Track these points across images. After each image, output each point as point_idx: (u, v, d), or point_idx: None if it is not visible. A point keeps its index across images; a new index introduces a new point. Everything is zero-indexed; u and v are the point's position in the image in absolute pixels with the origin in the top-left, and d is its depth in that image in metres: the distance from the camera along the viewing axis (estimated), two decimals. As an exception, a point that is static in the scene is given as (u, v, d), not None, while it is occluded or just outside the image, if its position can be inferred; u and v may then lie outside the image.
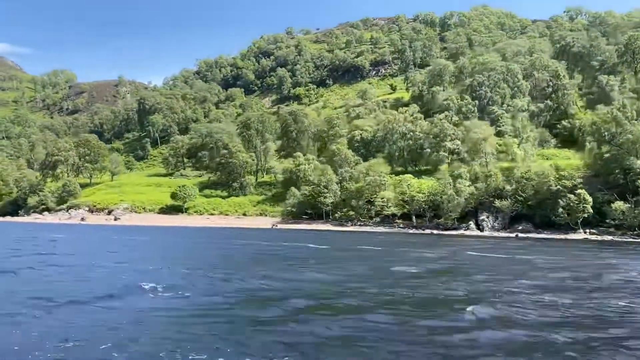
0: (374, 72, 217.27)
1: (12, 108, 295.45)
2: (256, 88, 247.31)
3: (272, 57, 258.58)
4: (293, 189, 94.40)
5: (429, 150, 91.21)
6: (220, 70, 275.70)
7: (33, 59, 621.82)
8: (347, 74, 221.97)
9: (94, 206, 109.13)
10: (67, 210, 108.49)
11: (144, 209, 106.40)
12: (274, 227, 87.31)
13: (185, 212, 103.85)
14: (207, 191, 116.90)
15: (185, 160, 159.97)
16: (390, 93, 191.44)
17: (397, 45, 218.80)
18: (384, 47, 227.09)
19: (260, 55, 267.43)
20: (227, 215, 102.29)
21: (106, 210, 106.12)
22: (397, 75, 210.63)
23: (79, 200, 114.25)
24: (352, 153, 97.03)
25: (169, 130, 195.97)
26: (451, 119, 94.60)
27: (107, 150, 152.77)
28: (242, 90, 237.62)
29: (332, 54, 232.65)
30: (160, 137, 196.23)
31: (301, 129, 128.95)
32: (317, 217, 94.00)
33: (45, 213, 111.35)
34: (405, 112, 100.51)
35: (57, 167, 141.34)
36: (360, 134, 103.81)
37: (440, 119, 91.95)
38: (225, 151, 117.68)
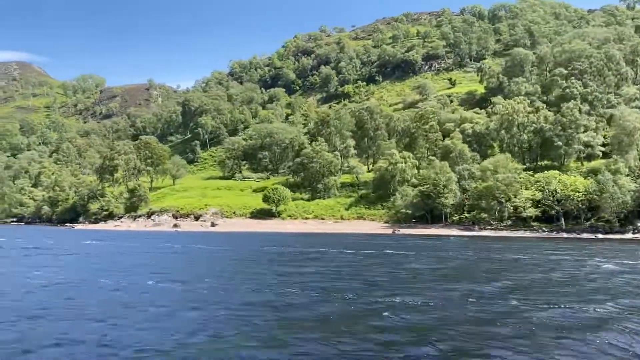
0: (426, 67, 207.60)
1: (44, 114, 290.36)
2: (298, 87, 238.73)
3: (312, 56, 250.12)
4: (406, 188, 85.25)
5: (560, 143, 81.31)
6: (256, 71, 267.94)
7: (53, 67, 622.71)
8: (397, 69, 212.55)
9: (177, 211, 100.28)
10: (149, 217, 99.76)
11: (234, 213, 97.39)
12: (395, 232, 78.04)
13: (279, 216, 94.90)
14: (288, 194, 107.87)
15: (241, 162, 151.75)
16: (450, 87, 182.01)
17: (449, 39, 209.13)
18: (434, 40, 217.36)
19: (299, 54, 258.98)
20: (323, 219, 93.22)
21: (192, 216, 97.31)
22: (452, 69, 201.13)
23: (158, 205, 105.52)
24: (469, 148, 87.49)
25: (217, 132, 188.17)
26: (580, 110, 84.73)
27: (168, 153, 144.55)
28: (284, 90, 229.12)
29: (380, 49, 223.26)
30: (209, 140, 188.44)
31: (383, 125, 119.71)
32: (431, 220, 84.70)
33: (124, 219, 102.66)
34: (523, 101, 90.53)
35: (116, 171, 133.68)
36: (472, 127, 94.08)
37: (570, 108, 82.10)
38: (308, 150, 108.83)
